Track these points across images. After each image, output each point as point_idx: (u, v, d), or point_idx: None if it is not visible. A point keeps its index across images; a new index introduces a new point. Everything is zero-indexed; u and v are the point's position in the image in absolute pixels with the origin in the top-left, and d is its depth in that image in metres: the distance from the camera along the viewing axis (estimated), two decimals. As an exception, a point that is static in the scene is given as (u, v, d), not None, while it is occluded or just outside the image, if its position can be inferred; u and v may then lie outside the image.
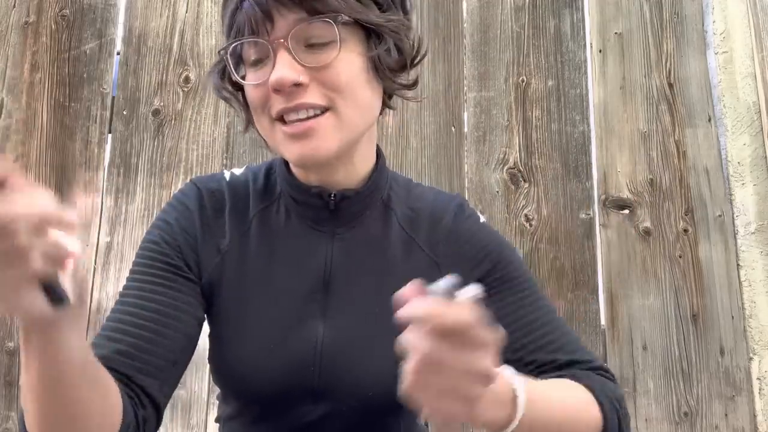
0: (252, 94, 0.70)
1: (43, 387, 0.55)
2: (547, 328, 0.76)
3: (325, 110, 0.67)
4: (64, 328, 0.52)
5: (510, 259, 0.80)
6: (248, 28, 0.66)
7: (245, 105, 0.75)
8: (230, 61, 0.70)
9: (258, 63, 0.69)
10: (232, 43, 0.69)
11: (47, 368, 0.54)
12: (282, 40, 0.65)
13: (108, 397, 0.61)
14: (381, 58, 0.71)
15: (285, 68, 0.65)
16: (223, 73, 0.75)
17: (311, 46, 0.67)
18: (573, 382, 0.69)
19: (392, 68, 0.73)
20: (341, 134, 0.68)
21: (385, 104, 0.80)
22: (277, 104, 0.67)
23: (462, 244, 0.79)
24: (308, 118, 0.67)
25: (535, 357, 0.74)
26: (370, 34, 0.70)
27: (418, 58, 0.78)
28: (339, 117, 0.68)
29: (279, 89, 0.65)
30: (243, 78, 0.71)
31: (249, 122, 0.78)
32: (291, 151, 0.68)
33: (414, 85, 0.79)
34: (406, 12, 0.76)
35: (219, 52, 0.72)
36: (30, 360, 0.54)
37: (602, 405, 0.67)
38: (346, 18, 0.66)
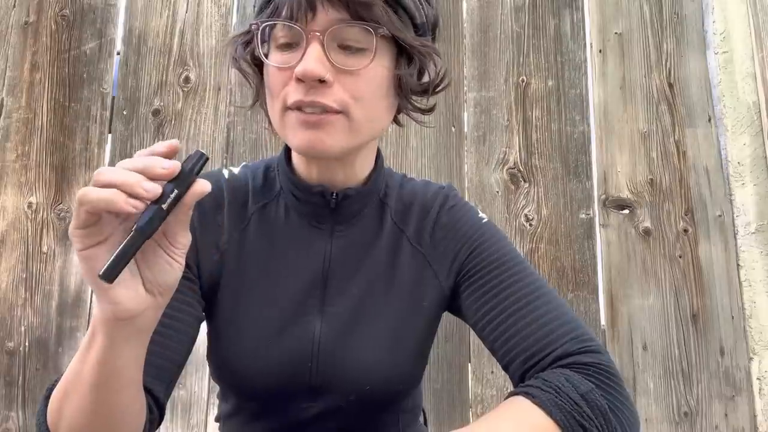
0: (274, 75, 0.69)
1: (114, 380, 0.56)
2: (515, 317, 0.71)
3: (337, 112, 0.67)
4: (156, 316, 0.56)
5: (486, 246, 0.77)
6: (287, 11, 0.66)
7: (260, 81, 0.75)
8: (259, 40, 0.70)
9: (286, 47, 0.68)
10: (267, 21, 0.68)
11: (127, 359, 0.56)
12: (318, 33, 0.65)
13: (141, 402, 0.62)
14: (406, 78, 0.71)
15: (314, 61, 0.64)
16: (247, 44, 0.75)
17: (344, 47, 0.66)
18: (522, 400, 0.64)
19: (414, 90, 0.74)
20: (348, 137, 0.69)
21: (395, 120, 0.80)
22: (295, 94, 0.66)
23: (444, 236, 0.79)
24: (322, 111, 0.67)
25: (505, 356, 0.72)
26: (402, 52, 0.70)
27: (441, 86, 0.78)
28: (349, 121, 0.68)
29: (303, 80, 0.65)
30: (266, 56, 0.71)
31: (257, 100, 0.78)
32: (298, 138, 0.68)
33: (431, 110, 0.79)
34: (434, 38, 0.78)
35: (250, 25, 0.71)
36: (110, 350, 0.55)
37: (556, 420, 0.62)
38: (386, 31, 0.66)
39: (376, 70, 0.68)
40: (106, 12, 1.66)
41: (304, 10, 0.65)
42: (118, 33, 1.65)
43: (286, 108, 0.68)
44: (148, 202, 0.49)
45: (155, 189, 0.49)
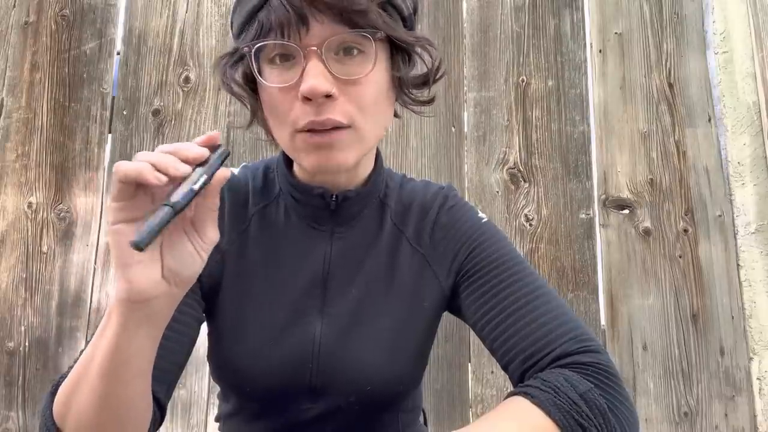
0: (276, 97, 0.67)
1: (124, 368, 0.57)
2: (515, 317, 0.72)
3: (345, 127, 0.66)
4: (169, 307, 0.57)
5: (485, 246, 0.77)
6: (277, 29, 0.63)
7: (256, 101, 0.73)
8: (253, 63, 0.67)
9: (280, 59, 0.66)
10: (259, 43, 0.65)
11: (138, 348, 0.56)
12: (315, 48, 0.63)
13: (149, 400, 0.63)
14: (405, 75, 0.71)
15: (318, 78, 0.63)
16: (234, 65, 0.72)
17: (341, 54, 0.65)
18: (521, 400, 0.65)
19: (414, 84, 0.74)
20: (358, 149, 0.68)
21: (394, 114, 0.80)
22: (306, 116, 0.65)
23: (443, 236, 0.79)
24: (331, 129, 0.66)
25: (504, 356, 0.72)
26: (397, 50, 0.70)
27: (439, 75, 0.78)
28: (358, 133, 0.67)
29: (311, 98, 0.63)
30: (260, 73, 0.68)
31: (254, 119, 0.77)
32: (310, 160, 0.67)
33: (431, 101, 0.79)
34: (414, 18, 0.77)
35: (242, 48, 0.68)
36: (122, 334, 0.55)
37: (555, 420, 0.62)
38: (382, 35, 0.65)
39: (376, 75, 0.68)
40: (106, 12, 1.66)
41: (296, 26, 0.63)
42: (118, 33, 1.65)
43: (296, 132, 0.67)
44: (181, 183, 0.51)
45: (185, 169, 0.51)
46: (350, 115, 0.66)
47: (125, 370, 0.56)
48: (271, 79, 0.67)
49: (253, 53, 0.67)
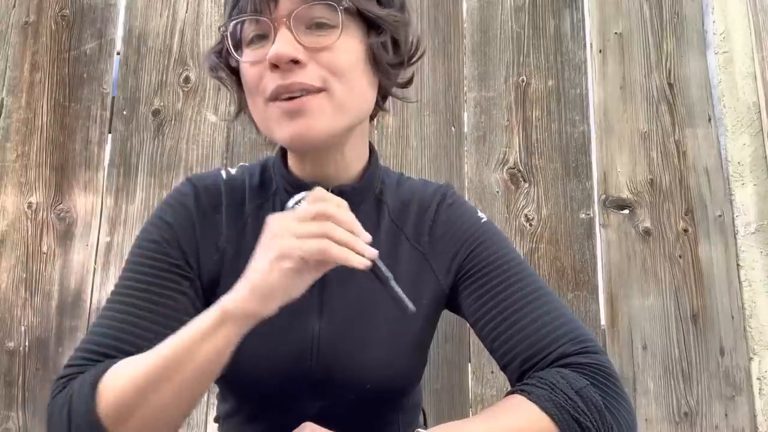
0: (248, 72, 0.69)
1: (206, 376, 0.62)
2: (514, 318, 0.72)
3: (319, 90, 0.67)
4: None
5: (486, 245, 0.78)
6: (251, 6, 0.66)
7: (240, 87, 0.75)
8: (229, 41, 0.70)
9: (257, 40, 0.69)
10: (233, 19, 0.69)
11: (220, 360, 0.62)
12: (284, 19, 0.65)
13: None
14: (379, 50, 0.71)
15: (284, 44, 0.65)
16: (220, 53, 0.75)
17: (312, 29, 0.67)
18: (518, 398, 0.66)
19: (390, 63, 0.74)
20: (334, 117, 0.68)
21: (378, 105, 0.80)
22: (273, 82, 0.66)
23: (443, 234, 0.79)
24: (302, 95, 0.66)
25: (503, 356, 0.73)
26: (371, 25, 0.71)
27: (417, 55, 0.78)
28: (333, 99, 0.67)
29: (277, 64, 0.65)
30: (239, 58, 0.71)
31: (242, 106, 0.78)
32: (284, 130, 0.68)
33: (409, 83, 0.79)
34: (403, 12, 0.77)
35: (219, 28, 0.72)
36: (233, 343, 0.61)
37: (551, 414, 0.63)
38: (349, 4, 0.67)
39: (348, 43, 0.68)
40: (106, 12, 1.66)
41: (266, 1, 0.66)
42: (118, 33, 1.65)
43: (267, 101, 0.68)
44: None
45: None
46: (323, 78, 0.66)
47: (212, 373, 0.62)
48: (247, 57, 0.69)
49: (230, 36, 0.70)
